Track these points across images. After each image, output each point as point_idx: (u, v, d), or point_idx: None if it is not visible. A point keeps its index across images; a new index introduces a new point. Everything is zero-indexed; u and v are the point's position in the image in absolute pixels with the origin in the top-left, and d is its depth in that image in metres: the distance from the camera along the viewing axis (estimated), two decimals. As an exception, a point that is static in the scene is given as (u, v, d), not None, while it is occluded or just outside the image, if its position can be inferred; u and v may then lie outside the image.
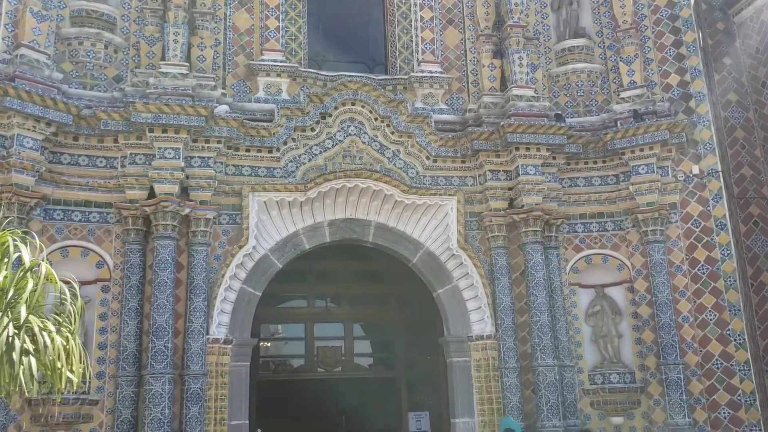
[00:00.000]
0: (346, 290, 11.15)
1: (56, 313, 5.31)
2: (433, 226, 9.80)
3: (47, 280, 5.18)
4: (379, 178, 9.51)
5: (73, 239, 8.65)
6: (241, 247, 8.97)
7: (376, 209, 9.68)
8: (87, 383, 8.14)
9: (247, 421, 8.88)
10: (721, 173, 9.57)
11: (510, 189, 9.67)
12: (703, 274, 9.33)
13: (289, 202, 9.28)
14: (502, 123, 9.46)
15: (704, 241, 9.42)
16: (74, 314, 5.14)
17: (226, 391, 8.64)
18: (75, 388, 5.04)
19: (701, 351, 9.11)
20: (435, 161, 9.85)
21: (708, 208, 9.50)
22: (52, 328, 4.83)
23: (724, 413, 8.86)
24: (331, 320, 11.33)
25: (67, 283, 5.20)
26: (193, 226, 8.77)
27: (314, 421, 10.61)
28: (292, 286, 10.88)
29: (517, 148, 9.50)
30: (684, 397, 8.81)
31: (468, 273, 9.69)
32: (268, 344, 12.16)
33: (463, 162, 9.89)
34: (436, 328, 10.31)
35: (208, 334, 8.61)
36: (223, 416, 8.55)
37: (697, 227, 9.49)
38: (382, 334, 11.99)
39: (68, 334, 4.97)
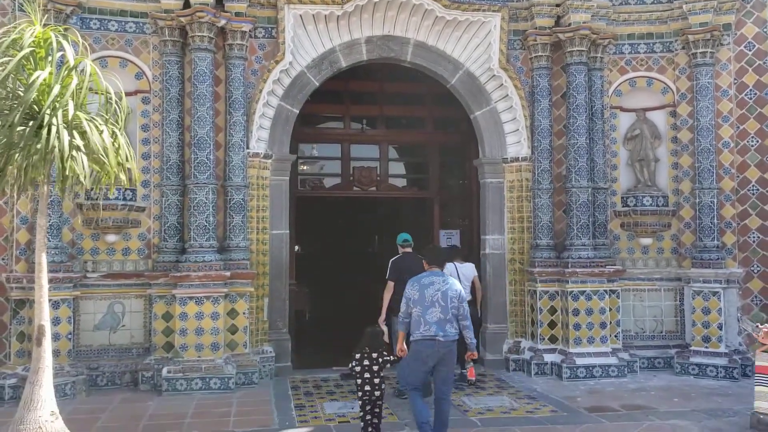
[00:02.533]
0: (382, 112, 11.11)
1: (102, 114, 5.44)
2: (474, 45, 9.52)
3: (91, 79, 5.26)
4: (418, -9, 9.12)
5: (111, 49, 8.65)
6: (277, 62, 8.89)
7: (415, 26, 9.38)
8: (134, 189, 8.54)
9: (288, 231, 9.29)
10: (784, -9, 8.96)
11: (557, 6, 9.22)
12: (750, 99, 9.04)
13: (325, 15, 9.02)
14: (550, -68, 8.83)
15: (756, 64, 9.03)
16: (120, 113, 5.24)
17: (267, 203, 9.00)
18: (124, 184, 5.26)
19: (738, 177, 9.06)
20: (477, -26, 9.36)
21: (764, 30, 9.00)
22: (101, 123, 4.97)
23: (754, 237, 8.98)
24: (367, 142, 11.40)
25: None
26: (229, 38, 8.65)
27: (350, 237, 11.04)
28: (329, 106, 10.87)
29: (567, -39, 8.94)
30: (715, 221, 8.90)
31: (508, 95, 9.54)
32: (305, 167, 12.43)
33: (508, -25, 9.39)
34: (471, 151, 10.36)
35: (248, 148, 8.79)
36: (264, 226, 8.96)
37: (750, 50, 9.07)
38: (417, 156, 12.10)
39: (116, 131, 5.12)
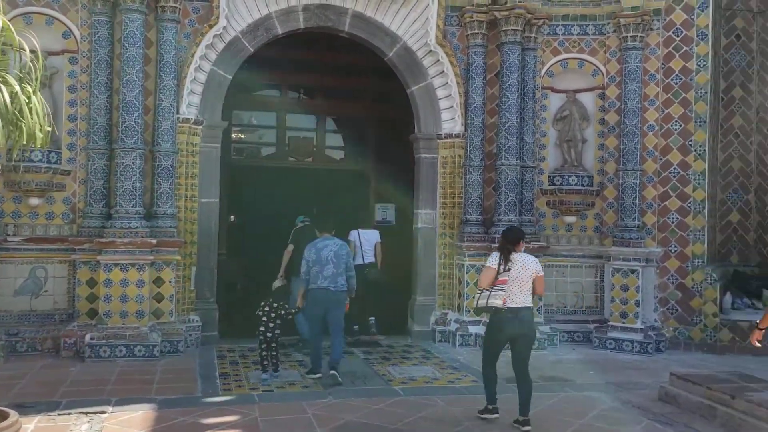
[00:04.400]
0: (320, 82, 11.04)
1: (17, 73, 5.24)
2: (412, 19, 9.52)
3: (4, 35, 5.05)
4: (359, -39, 9.08)
5: (35, 5, 8.32)
6: (211, 27, 8.72)
7: (353, -4, 9.32)
8: (59, 152, 8.30)
9: (218, 200, 9.19)
10: (711, -20, 9.24)
11: (494, -16, 9.30)
12: (676, 84, 9.34)
13: (262, -19, 8.88)
14: None
15: (683, 50, 9.32)
16: (36, 71, 5.06)
17: (197, 170, 8.86)
18: (40, 144, 5.10)
19: (661, 159, 9.39)
20: (418, -52, 9.34)
21: (692, 17, 9.29)
22: (14, 83, 4.79)
23: (673, 218, 9.34)
24: (304, 112, 11.34)
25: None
26: (161, 0, 8.43)
27: (286, 209, 10.97)
28: (265, 74, 10.71)
29: (505, -61, 9.00)
30: (637, 201, 9.22)
31: (444, 71, 9.60)
32: (242, 135, 12.27)
33: (449, -49, 9.40)
34: (407, 125, 10.41)
35: (178, 113, 8.62)
36: (194, 193, 8.84)
37: (678, 36, 9.34)
38: (355, 129, 12.09)
39: (30, 91, 4.94)
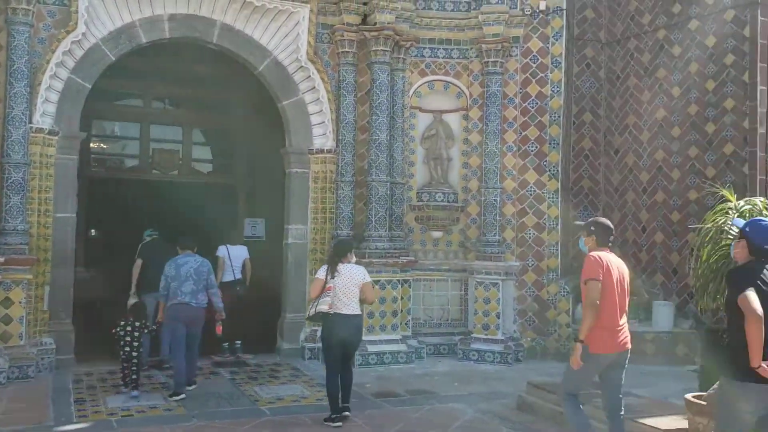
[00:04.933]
0: (188, 93, 10.75)
1: None
2: (283, 34, 9.50)
3: None
4: (229, -26, 8.95)
5: None
6: (69, 32, 8.26)
7: (222, 8, 9.16)
8: None
9: (74, 215, 8.69)
10: (564, 12, 9.91)
11: (365, 4, 9.46)
12: (533, 108, 9.93)
13: (125, -12, 8.54)
14: (360, -70, 9.05)
15: (539, 76, 9.93)
16: None
17: (52, 184, 8.34)
18: None
19: (519, 178, 9.92)
20: (290, -36, 9.35)
21: (547, 45, 9.92)
22: None
23: (530, 234, 9.89)
24: (170, 123, 11.00)
25: None
26: (12, 1, 7.88)
27: (150, 223, 10.54)
28: (128, 82, 10.32)
29: (374, -40, 9.20)
30: (497, 217, 9.69)
31: (315, 87, 9.64)
32: (104, 146, 11.70)
33: (318, -32, 9.48)
34: (278, 139, 10.35)
35: (31, 123, 8.09)
36: (48, 208, 8.31)
37: (534, 63, 9.94)
38: (224, 142, 11.87)
39: None
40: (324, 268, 6.50)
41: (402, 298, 9.35)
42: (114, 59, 8.74)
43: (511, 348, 9.44)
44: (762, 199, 6.56)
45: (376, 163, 9.40)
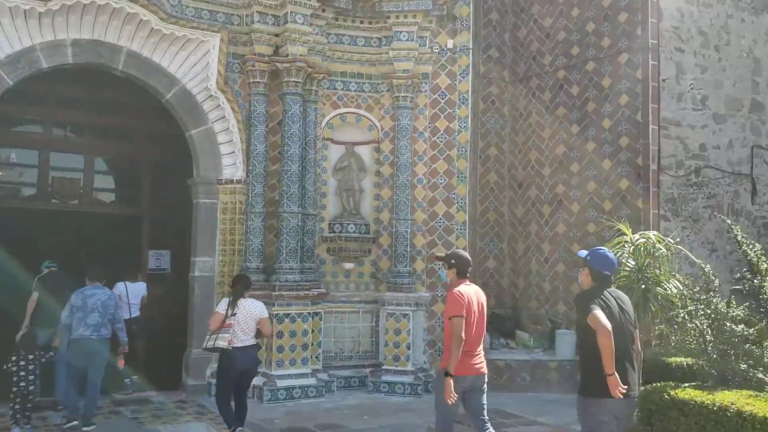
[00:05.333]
0: (91, 120, 10.35)
1: None
2: (192, 62, 9.35)
3: None
4: (136, 0, 8.76)
5: None
6: (-39, 54, 7.85)
7: (129, 35, 8.94)
8: None
9: (-37, 246, 8.17)
10: (471, 51, 10.28)
11: (277, 35, 9.47)
12: (441, 142, 10.19)
13: (25, 11, 8.18)
14: (274, -37, 9.11)
15: (447, 112, 10.21)
16: None
17: (-62, 213, 7.83)
18: None
19: (429, 210, 10.11)
20: (201, -8, 9.27)
21: (455, 82, 10.24)
22: None
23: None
24: (71, 150, 10.53)
25: None
26: None
27: (51, 255, 10.02)
28: (28, 108, 9.83)
29: (288, -7, 9.25)
30: (408, 249, 9.81)
31: (225, 116, 9.52)
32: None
33: (231, -2, 9.44)
34: (186, 169, 10.12)
35: None
36: (-68, 239, 7.77)
37: (442, 99, 10.23)
38: (128, 171, 11.46)
39: None
40: (225, 301, 6.77)
41: (313, 330, 9.26)
42: (12, 84, 8.34)
43: (421, 379, 9.50)
44: (655, 232, 7.00)
45: (287, 194, 9.34)
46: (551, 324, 10.41)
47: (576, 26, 10.60)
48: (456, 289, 5.41)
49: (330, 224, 9.97)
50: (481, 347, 5.55)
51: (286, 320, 9.04)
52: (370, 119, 10.21)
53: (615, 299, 4.75)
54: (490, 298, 10.96)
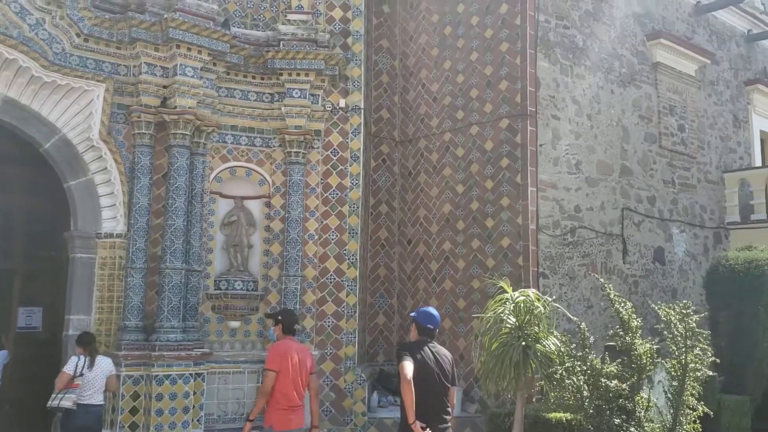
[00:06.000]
0: (-42, 168, 9.68)
1: None
2: (74, 112, 9.00)
3: None
4: (15, 45, 8.38)
5: None
6: None
7: (6, 81, 8.51)
8: None
9: None
10: (362, 111, 10.51)
11: (165, 87, 9.30)
12: (333, 198, 10.25)
13: None
14: (165, 16, 9.01)
15: (339, 169, 10.32)
16: None
17: None
18: None
19: (320, 266, 10.08)
20: (86, 41, 8.98)
21: (347, 140, 10.40)
22: None
23: (329, 322, 9.99)
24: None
25: None
26: None
27: None
28: None
29: (179, 46, 9.12)
30: (298, 306, 9.69)
31: (107, 168, 9.17)
32: None
33: (118, 48, 9.19)
34: (63, 221, 9.61)
35: None
36: None
37: (334, 156, 10.35)
38: (1, 222, 10.74)
39: None
40: (74, 361, 7.12)
41: (195, 392, 8.87)
42: None
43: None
44: (534, 290, 7.29)
45: (171, 250, 9.04)
46: (439, 380, 10.50)
47: (461, 92, 11.11)
48: (276, 344, 6.03)
49: (216, 281, 9.71)
50: (302, 402, 6.25)
51: (167, 382, 8.62)
52: (261, 174, 10.14)
53: (434, 353, 5.29)
54: (380, 354, 11.02)
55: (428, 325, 5.40)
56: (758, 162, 14.85)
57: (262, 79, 10.10)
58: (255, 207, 10.17)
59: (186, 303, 9.15)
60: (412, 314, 5.60)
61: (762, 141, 15.39)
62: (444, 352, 5.44)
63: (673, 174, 12.64)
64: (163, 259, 9.06)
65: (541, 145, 10.29)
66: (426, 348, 5.26)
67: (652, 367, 6.62)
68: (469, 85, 10.99)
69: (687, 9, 13.52)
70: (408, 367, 4.90)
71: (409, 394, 4.80)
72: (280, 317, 6.23)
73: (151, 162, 9.29)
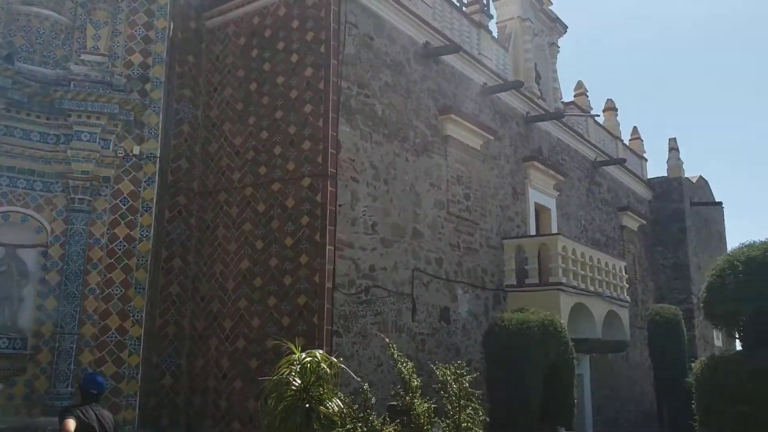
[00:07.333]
0: None
1: None
2: None
3: None
4: None
5: None
6: None
7: None
8: None
9: None
10: (159, 159, 10.14)
11: (-72, 119, 8.34)
12: (120, 250, 9.69)
13: None
14: (-68, 41, 8.14)
15: (128, 219, 9.82)
16: None
17: None
18: None
19: (100, 323, 9.40)
20: None
21: (139, 189, 9.95)
22: None
23: (108, 384, 9.26)
24: None
25: None
26: None
27: None
28: None
29: (-50, 78, 8.29)
30: (72, 366, 8.93)
31: None
32: None
33: None
34: None
35: None
36: None
37: (124, 205, 9.84)
38: None
39: None
40: None
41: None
42: None
43: None
44: (321, 351, 7.34)
45: None
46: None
47: (264, 148, 11.15)
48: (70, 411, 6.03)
49: (-33, 338, 8.66)
50: None
51: None
52: (39, 220, 9.35)
53: (96, 414, 5.96)
54: (164, 417, 10.41)
55: (92, 390, 6.13)
56: (533, 231, 16.41)
57: (48, 119, 9.43)
58: (29, 256, 9.32)
59: (-65, 364, 8.04)
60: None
61: (536, 212, 17.06)
62: (107, 414, 6.18)
63: (459, 238, 13.56)
64: None
65: (340, 206, 10.56)
66: (89, 410, 5.94)
67: (429, 427, 6.91)
68: (272, 141, 11.06)
69: (476, 89, 14.81)
70: (71, 423, 5.56)
71: None
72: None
73: None
